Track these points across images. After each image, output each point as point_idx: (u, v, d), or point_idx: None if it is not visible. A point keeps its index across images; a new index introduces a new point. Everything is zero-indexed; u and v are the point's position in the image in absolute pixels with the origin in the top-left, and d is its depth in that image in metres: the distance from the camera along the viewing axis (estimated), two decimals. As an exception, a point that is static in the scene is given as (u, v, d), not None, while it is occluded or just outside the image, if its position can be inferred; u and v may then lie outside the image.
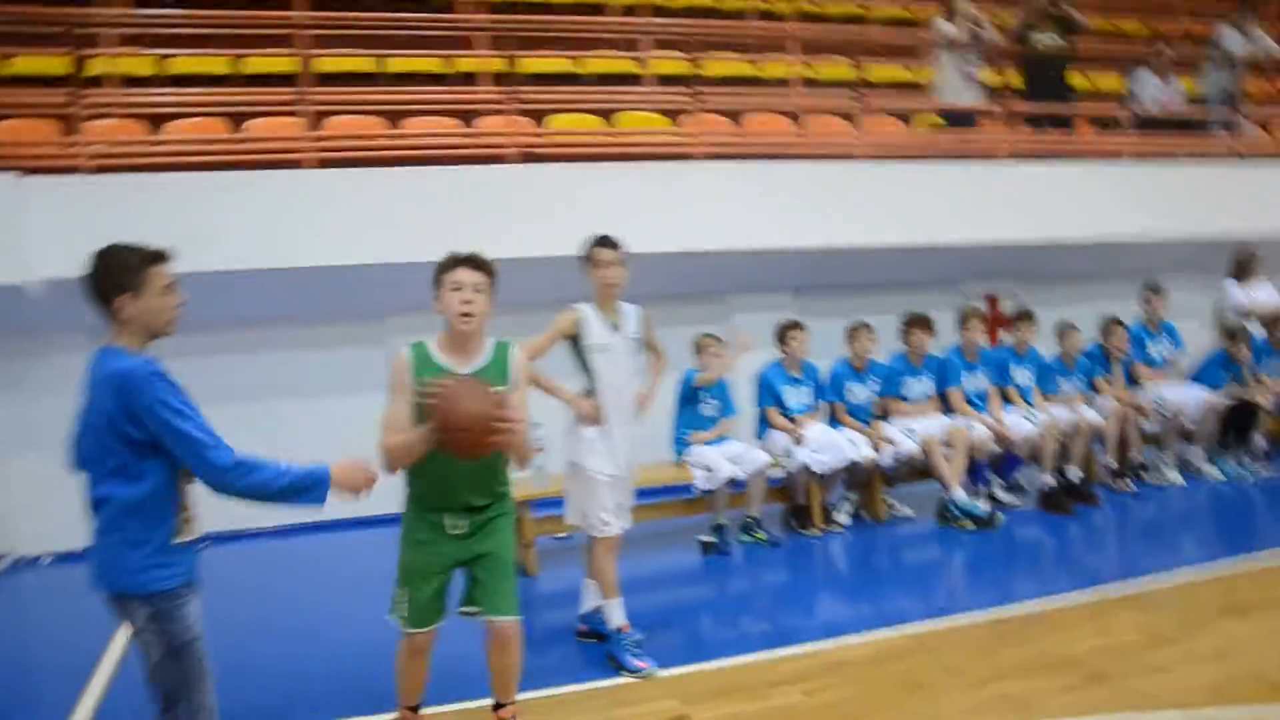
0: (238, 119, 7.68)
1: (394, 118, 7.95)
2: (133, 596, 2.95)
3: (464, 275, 3.68)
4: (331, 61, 8.40)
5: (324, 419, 7.90)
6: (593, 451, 4.86)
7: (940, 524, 7.15)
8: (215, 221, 6.78)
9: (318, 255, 7.03)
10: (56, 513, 7.16)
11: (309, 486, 3.05)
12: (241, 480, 2.95)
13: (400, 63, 8.73)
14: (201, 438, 2.92)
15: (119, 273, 2.95)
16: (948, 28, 8.81)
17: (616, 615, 4.86)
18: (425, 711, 4.13)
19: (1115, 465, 7.99)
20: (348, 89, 8.04)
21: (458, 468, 3.63)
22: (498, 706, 4.00)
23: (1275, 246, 8.94)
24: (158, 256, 3.01)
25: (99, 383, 2.92)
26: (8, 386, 7.37)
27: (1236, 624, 4.93)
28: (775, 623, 5.60)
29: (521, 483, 6.41)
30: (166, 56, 8.32)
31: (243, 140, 7.37)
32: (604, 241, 4.83)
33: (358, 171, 7.21)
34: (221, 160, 7.12)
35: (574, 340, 4.85)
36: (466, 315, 3.65)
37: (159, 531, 2.97)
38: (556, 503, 6.50)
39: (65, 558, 7.29)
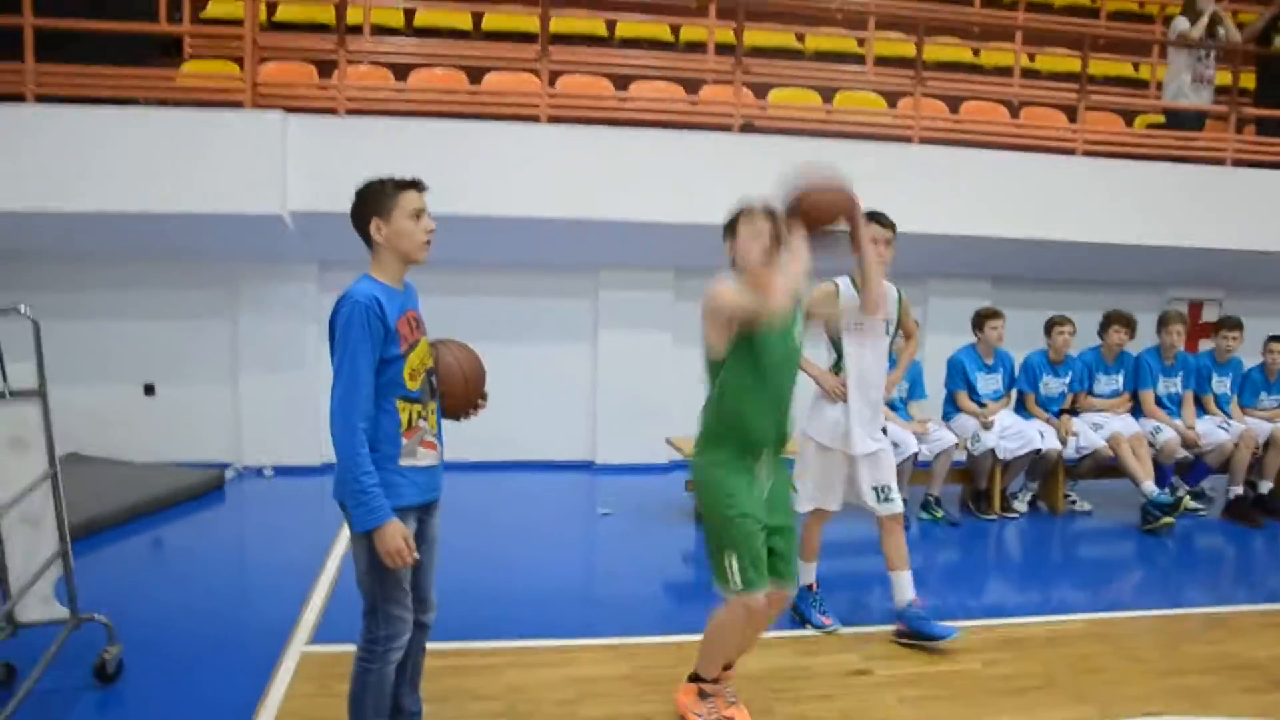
0: (475, 72, 8.21)
1: (621, 81, 8.33)
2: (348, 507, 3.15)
3: (764, 224, 3.69)
4: (564, 22, 8.87)
5: (533, 364, 8.42)
6: (828, 428, 4.82)
7: (1143, 527, 7.06)
8: (451, 167, 7.27)
9: (543, 206, 7.46)
10: (278, 427, 8.00)
11: (365, 504, 3.06)
12: (337, 438, 3.04)
13: (628, 28, 9.12)
14: (344, 383, 3.04)
15: (373, 199, 3.21)
16: (1184, 25, 8.61)
17: (807, 574, 5.05)
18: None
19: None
20: (580, 48, 8.51)
21: (778, 396, 3.72)
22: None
23: None
24: (409, 184, 3.22)
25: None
26: (250, 306, 8.10)
27: None
28: (950, 596, 5.80)
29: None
30: (411, 9, 8.93)
31: (481, 93, 7.87)
32: (876, 217, 4.62)
33: (585, 130, 7.58)
34: (460, 110, 7.62)
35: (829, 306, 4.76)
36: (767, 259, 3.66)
37: (381, 452, 3.12)
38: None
39: (285, 470, 8.04)
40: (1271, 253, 8.40)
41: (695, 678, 3.99)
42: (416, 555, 3.18)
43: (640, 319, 8.45)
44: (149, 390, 8.15)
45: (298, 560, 5.87)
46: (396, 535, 3.09)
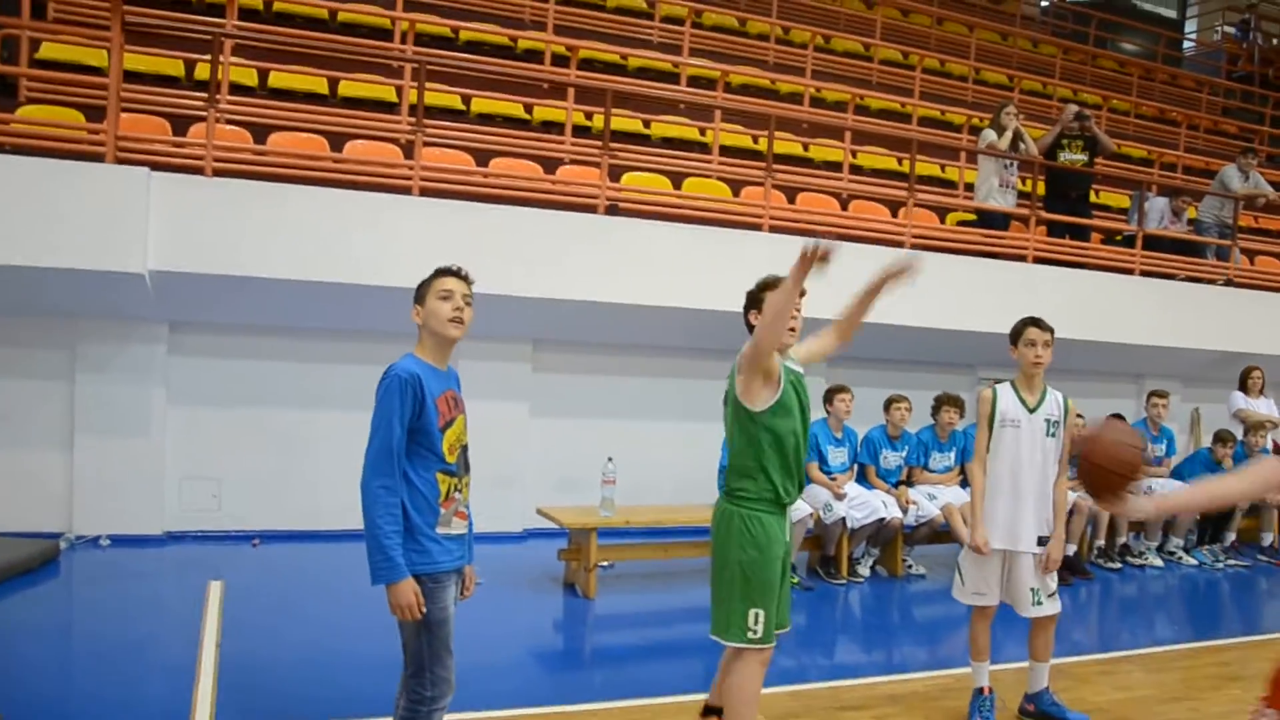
0: (333, 138, 8.17)
1: (480, 156, 8.50)
2: None
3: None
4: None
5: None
6: (977, 522, 5.00)
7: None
8: (322, 234, 7.23)
9: (406, 277, 7.36)
10: (116, 495, 7.59)
11: (388, 560, 3.23)
12: (367, 498, 3.24)
13: (483, 104, 9.32)
14: (377, 449, 3.25)
15: (419, 288, 3.52)
16: (993, 136, 9.65)
17: (980, 676, 5.05)
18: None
19: (1103, 545, 8.83)
20: (438, 121, 8.58)
21: (798, 455, 3.97)
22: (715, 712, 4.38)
23: (1259, 361, 9.94)
24: (446, 271, 3.51)
25: None
26: (89, 368, 7.64)
27: (1237, 689, 5.68)
28: (828, 657, 6.22)
29: (589, 512, 7.02)
30: (268, 70, 8.81)
31: (346, 161, 7.83)
32: (1033, 322, 4.97)
33: (453, 203, 7.65)
34: (322, 177, 7.55)
35: (990, 415, 4.98)
36: (793, 330, 4.03)
37: (421, 520, 3.32)
38: (618, 533, 7.12)
39: (123, 540, 7.57)
40: (1064, 341, 9.40)
41: None
42: (424, 613, 3.31)
43: (498, 390, 8.54)
44: (-40, 455, 7.51)
45: (166, 635, 5.68)
46: (409, 592, 3.25)
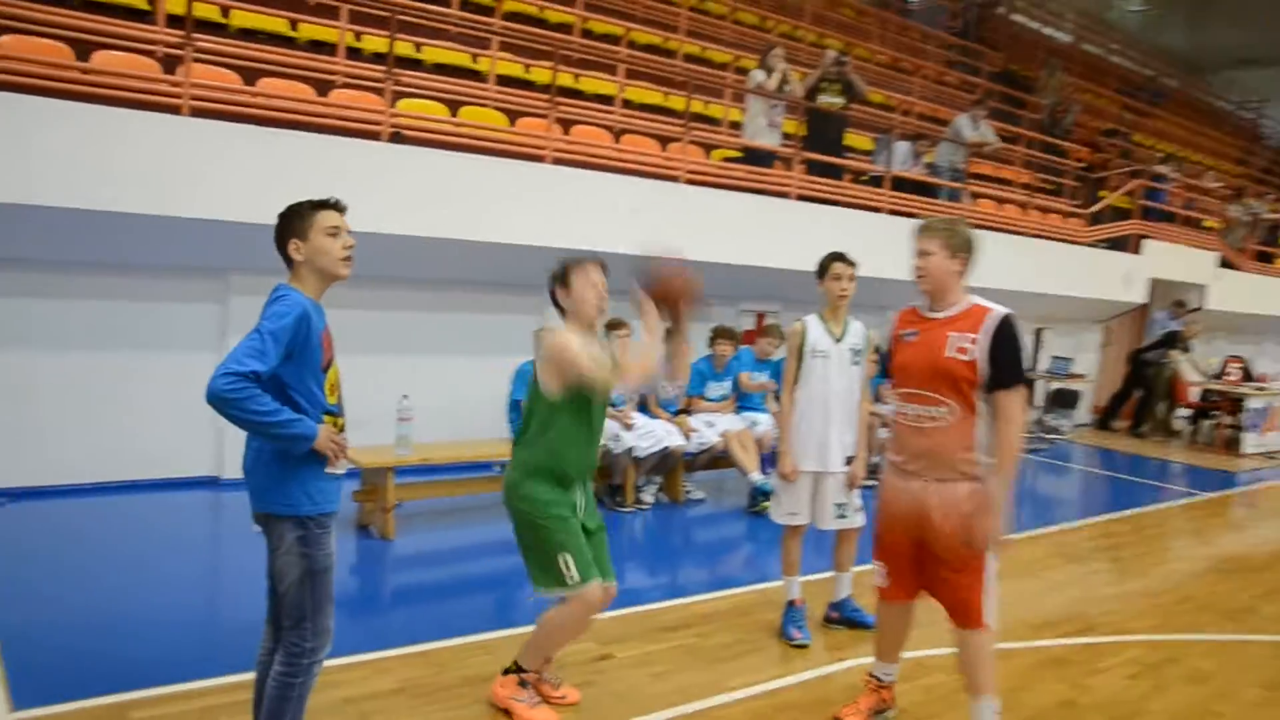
0: (80, 47, 7.34)
1: (246, 75, 7.90)
2: (283, 518, 3.20)
3: (597, 275, 4.10)
4: (178, 3, 8.18)
5: (152, 373, 7.64)
6: (786, 451, 5.36)
7: (749, 509, 8.19)
8: (81, 157, 6.52)
9: (170, 205, 6.84)
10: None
11: (290, 429, 3.05)
12: (227, 390, 2.92)
13: (244, 18, 8.66)
14: (248, 347, 2.97)
15: (290, 220, 3.25)
16: (761, 76, 9.97)
17: (792, 589, 5.43)
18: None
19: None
20: (208, 36, 7.86)
21: (594, 437, 4.13)
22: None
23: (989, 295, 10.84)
24: (324, 204, 3.28)
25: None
26: None
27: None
28: (634, 582, 6.40)
29: (385, 451, 6.84)
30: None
31: (95, 72, 7.07)
32: (839, 257, 5.28)
33: (219, 125, 7.05)
34: (70, 90, 6.80)
35: (800, 347, 5.31)
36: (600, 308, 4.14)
37: (311, 460, 3.16)
38: (416, 471, 6.99)
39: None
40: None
41: (516, 669, 4.23)
42: (307, 560, 3.23)
43: (270, 327, 8.06)
44: None
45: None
46: (327, 435, 3.16)
